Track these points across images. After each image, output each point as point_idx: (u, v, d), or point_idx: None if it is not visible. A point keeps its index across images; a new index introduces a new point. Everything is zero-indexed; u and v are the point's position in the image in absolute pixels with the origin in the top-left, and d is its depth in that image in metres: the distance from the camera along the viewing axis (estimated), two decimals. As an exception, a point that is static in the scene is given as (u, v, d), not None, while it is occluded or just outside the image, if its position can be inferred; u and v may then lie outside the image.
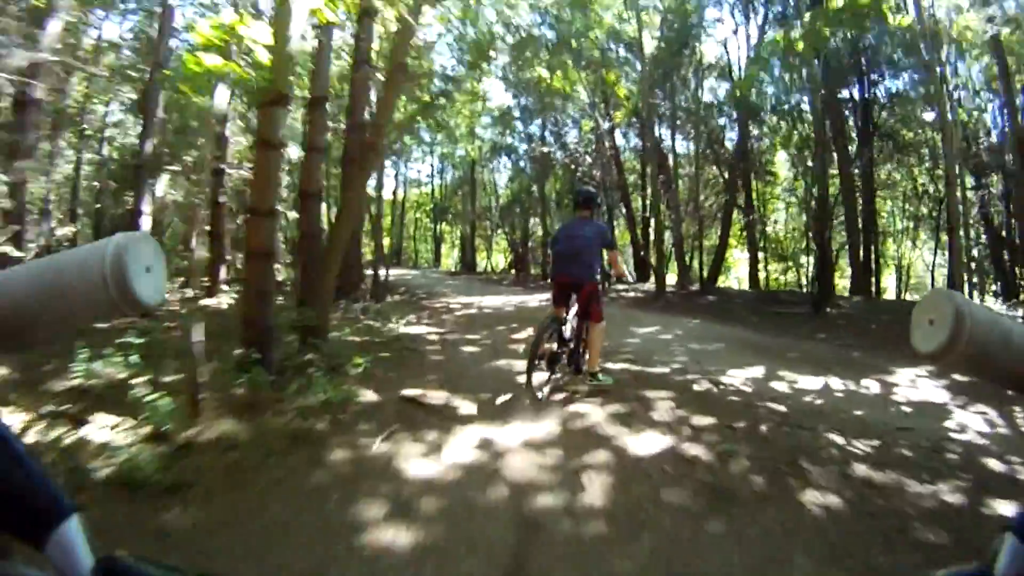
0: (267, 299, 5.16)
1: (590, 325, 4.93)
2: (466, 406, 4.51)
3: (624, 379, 5.57)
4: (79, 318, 0.60)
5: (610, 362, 6.04)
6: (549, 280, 5.58)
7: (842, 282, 18.22)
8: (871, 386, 6.03)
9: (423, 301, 12.96)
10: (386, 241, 36.52)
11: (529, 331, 8.29)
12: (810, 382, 6.00)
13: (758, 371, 6.35)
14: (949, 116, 14.02)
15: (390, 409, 4.35)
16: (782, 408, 4.90)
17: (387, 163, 30.22)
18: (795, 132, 16.79)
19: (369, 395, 4.67)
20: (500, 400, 4.72)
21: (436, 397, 4.70)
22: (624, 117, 17.51)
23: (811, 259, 19.95)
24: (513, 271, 23.17)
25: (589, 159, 20.20)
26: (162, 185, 13.12)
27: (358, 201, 6.15)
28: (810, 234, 18.98)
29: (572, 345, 4.93)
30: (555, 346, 4.82)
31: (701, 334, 8.78)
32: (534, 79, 17.07)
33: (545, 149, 20.80)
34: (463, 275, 24.69)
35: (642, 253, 19.81)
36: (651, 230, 20.29)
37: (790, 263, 20.59)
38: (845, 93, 15.78)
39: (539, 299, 13.68)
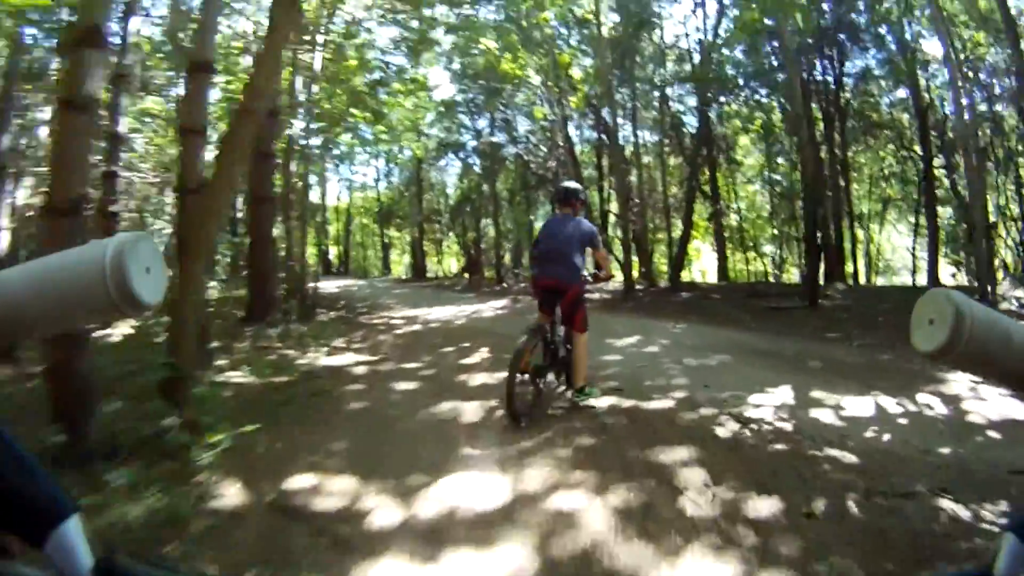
0: (79, 344, 3.37)
1: (572, 335, 4.47)
2: (383, 510, 2.77)
3: (618, 425, 3.98)
4: (78, 318, 0.64)
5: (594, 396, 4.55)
6: (533, 283, 4.81)
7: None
8: (931, 403, 4.72)
9: (361, 317, 11.16)
10: (334, 250, 34.59)
11: (484, 352, 6.70)
12: (857, 404, 4.61)
13: (785, 393, 4.88)
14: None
15: (250, 530, 2.59)
16: (850, 457, 3.48)
17: (329, 166, 28.49)
18: (761, 114, 15.77)
19: (227, 496, 2.91)
20: (439, 487, 3.03)
21: (335, 492, 2.96)
22: (579, 103, 16.00)
23: (777, 248, 19.27)
24: (466, 275, 21.39)
25: (543, 151, 18.61)
26: (23, 191, 10.89)
27: (225, 185, 4.37)
28: (778, 220, 18.17)
29: (562, 354, 4.48)
30: (540, 357, 4.36)
31: (693, 342, 7.27)
32: (481, 68, 15.76)
33: (495, 139, 19.16)
34: (413, 283, 22.87)
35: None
36: (611, 225, 19.22)
37: (756, 253, 19.65)
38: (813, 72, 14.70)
39: (494, 307, 12.07)
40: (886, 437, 3.92)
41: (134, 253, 0.56)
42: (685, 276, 17.34)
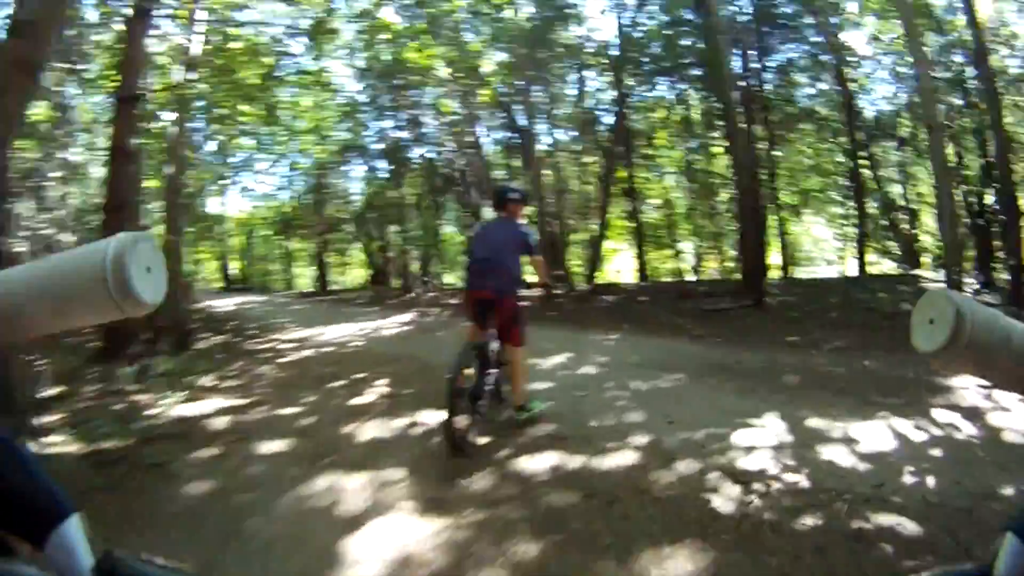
0: None
1: (509, 350, 4.10)
2: None
3: (569, 510, 2.75)
4: (80, 318, 0.59)
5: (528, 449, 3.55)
6: (465, 296, 4.38)
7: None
8: (953, 421, 3.86)
9: (248, 342, 9.49)
10: (236, 265, 31.76)
11: (381, 386, 5.41)
12: (868, 433, 3.67)
13: (775, 426, 3.88)
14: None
15: None
16: (907, 524, 2.51)
17: (229, 173, 25.95)
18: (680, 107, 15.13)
19: None
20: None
21: None
22: (490, 97, 14.79)
23: (696, 245, 18.71)
24: (373, 287, 19.59)
25: (451, 150, 17.24)
26: None
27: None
28: (695, 215, 17.61)
29: (497, 371, 4.09)
30: (476, 376, 3.90)
31: (635, 358, 6.20)
32: (387, 63, 14.30)
33: (400, 135, 17.63)
34: (315, 297, 20.97)
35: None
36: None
37: (674, 250, 19.02)
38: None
39: (399, 323, 10.67)
40: (931, 482, 2.99)
41: (134, 252, 0.55)
42: (601, 277, 16.45)
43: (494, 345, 4.00)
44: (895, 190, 14.93)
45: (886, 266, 14.34)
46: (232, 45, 10.47)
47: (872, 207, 14.26)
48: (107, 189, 7.60)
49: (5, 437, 0.53)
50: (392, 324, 10.40)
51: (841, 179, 15.22)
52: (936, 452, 3.29)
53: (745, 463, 3.16)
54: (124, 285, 0.54)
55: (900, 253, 14.14)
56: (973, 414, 3.86)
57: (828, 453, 3.27)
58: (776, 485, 2.87)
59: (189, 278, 31.93)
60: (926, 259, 13.87)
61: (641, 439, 3.68)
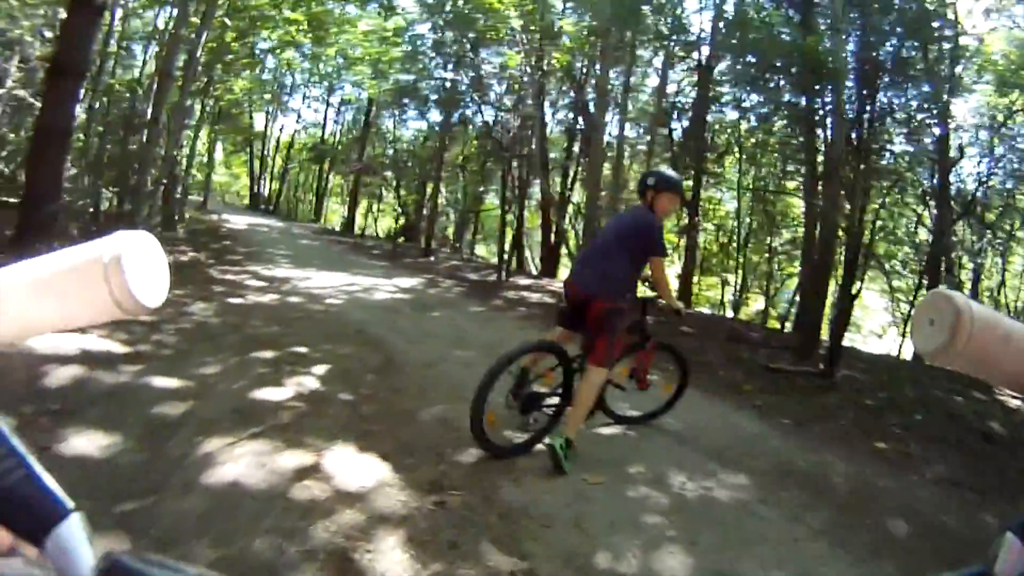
0: None
1: (588, 367, 3.27)
2: None
3: None
4: (79, 318, 0.55)
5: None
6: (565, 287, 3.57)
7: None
8: None
9: (217, 268, 8.21)
10: (271, 186, 30.70)
11: (316, 376, 3.99)
12: None
13: None
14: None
15: None
16: None
17: (283, 94, 24.93)
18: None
19: None
20: None
21: None
22: (560, 64, 13.26)
23: (741, 279, 16.96)
24: (400, 240, 18.11)
25: (512, 116, 15.73)
26: None
27: None
28: (751, 247, 15.92)
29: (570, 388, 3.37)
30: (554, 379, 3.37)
31: (680, 427, 4.45)
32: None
33: (460, 89, 16.22)
34: (334, 236, 19.82)
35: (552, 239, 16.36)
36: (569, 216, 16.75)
37: (722, 280, 17.29)
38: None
39: (399, 286, 9.22)
40: None
41: (135, 252, 0.53)
42: (640, 292, 14.89)
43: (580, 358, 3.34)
44: (966, 277, 13.40)
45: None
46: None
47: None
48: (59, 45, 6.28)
49: (3, 435, 0.49)
50: (390, 287, 8.93)
51: (909, 249, 13.46)
52: None
53: None
54: (123, 285, 0.51)
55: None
56: None
57: None
58: None
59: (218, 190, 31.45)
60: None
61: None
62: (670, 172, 3.88)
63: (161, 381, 3.40)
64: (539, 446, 3.23)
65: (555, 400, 3.37)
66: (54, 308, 0.54)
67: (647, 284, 3.74)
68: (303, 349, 4.58)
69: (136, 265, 0.53)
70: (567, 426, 3.23)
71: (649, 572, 2.38)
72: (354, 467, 2.79)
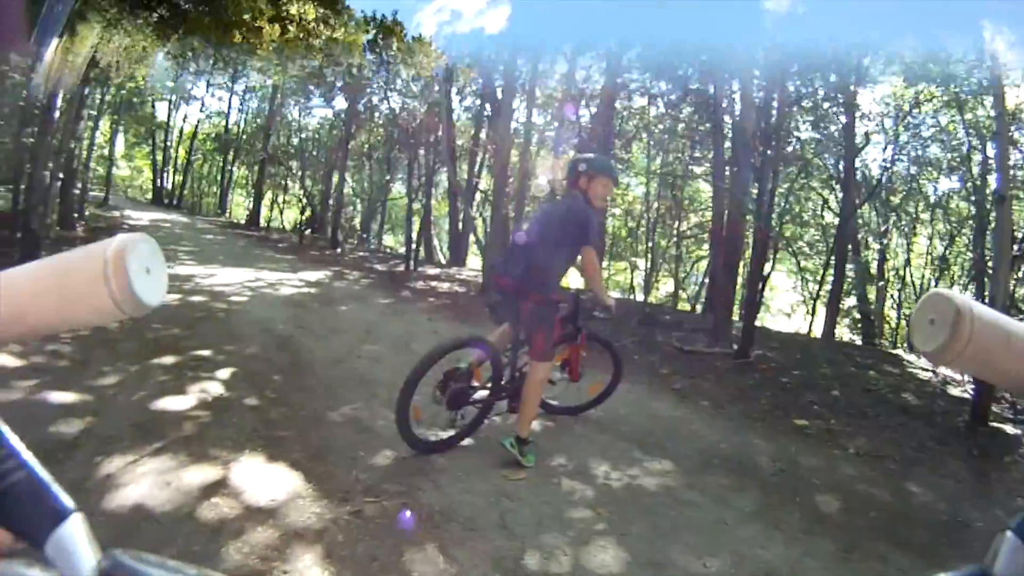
0: None
1: (529, 362, 3.34)
2: None
3: None
4: (79, 320, 0.56)
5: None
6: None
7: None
8: None
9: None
10: (174, 180, 29.03)
11: (220, 380, 4.04)
12: None
13: None
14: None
15: None
16: None
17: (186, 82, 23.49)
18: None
19: None
20: None
21: None
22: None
23: (648, 263, 17.73)
24: (306, 232, 17.72)
25: (417, 104, 15.67)
26: None
27: None
28: (659, 231, 16.61)
29: (507, 383, 3.44)
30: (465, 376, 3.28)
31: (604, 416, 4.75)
32: None
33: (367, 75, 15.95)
34: (238, 230, 19.13)
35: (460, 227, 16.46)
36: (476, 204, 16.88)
37: (630, 264, 17.95)
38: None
39: (305, 280, 9.13)
40: None
41: (135, 253, 0.54)
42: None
43: (517, 352, 3.42)
44: (872, 257, 14.25)
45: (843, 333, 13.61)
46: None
47: (849, 271, 13.49)
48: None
49: (3, 435, 0.50)
50: (297, 281, 8.90)
51: (815, 231, 14.43)
52: None
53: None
54: (124, 286, 0.52)
55: (865, 324, 13.42)
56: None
57: None
58: None
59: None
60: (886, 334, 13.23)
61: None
62: (596, 155, 3.85)
63: (57, 396, 3.36)
64: (464, 442, 3.31)
65: (484, 395, 3.36)
66: (54, 309, 0.55)
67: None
68: (206, 352, 4.60)
69: (136, 266, 0.54)
70: (519, 424, 3.25)
71: (582, 570, 2.41)
72: (264, 479, 2.75)
